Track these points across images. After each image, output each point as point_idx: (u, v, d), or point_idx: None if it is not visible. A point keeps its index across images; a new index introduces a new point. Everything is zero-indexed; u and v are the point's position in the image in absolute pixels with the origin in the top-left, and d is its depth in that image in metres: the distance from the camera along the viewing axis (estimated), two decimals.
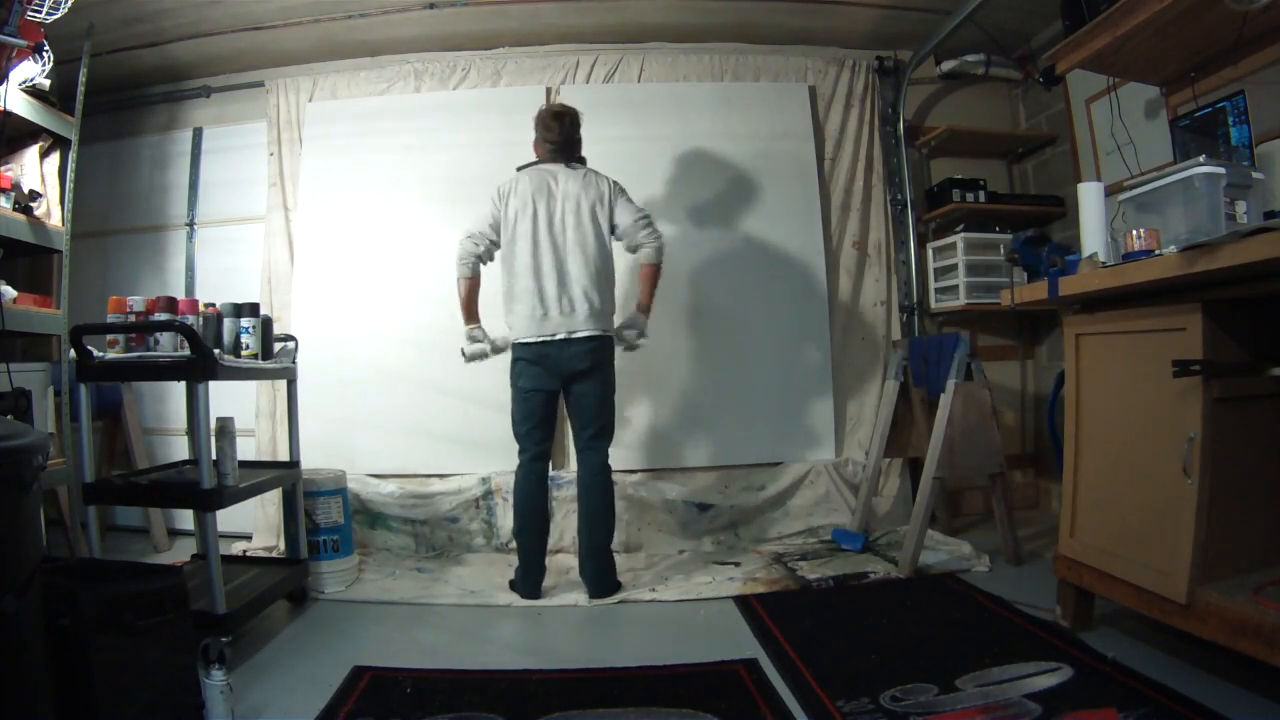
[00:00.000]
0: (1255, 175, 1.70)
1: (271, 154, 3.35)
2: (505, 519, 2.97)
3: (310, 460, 2.60)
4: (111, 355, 2.00)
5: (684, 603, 2.35)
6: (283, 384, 2.60)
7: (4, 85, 2.22)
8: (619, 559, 2.60)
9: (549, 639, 2.15)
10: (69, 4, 2.26)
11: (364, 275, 3.21)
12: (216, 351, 2.02)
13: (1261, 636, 1.38)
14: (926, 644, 1.91)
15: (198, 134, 3.50)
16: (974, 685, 1.64)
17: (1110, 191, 2.22)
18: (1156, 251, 1.65)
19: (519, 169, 2.47)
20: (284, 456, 2.82)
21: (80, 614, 1.32)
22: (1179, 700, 1.51)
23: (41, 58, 2.36)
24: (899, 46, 3.47)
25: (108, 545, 2.97)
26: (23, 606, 1.13)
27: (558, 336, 2.33)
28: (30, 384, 2.30)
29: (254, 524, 3.10)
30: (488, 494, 3.03)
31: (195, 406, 1.96)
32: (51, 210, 2.49)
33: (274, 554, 2.87)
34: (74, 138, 2.52)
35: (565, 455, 3.03)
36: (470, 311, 2.48)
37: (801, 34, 3.42)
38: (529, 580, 2.40)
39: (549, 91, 3.29)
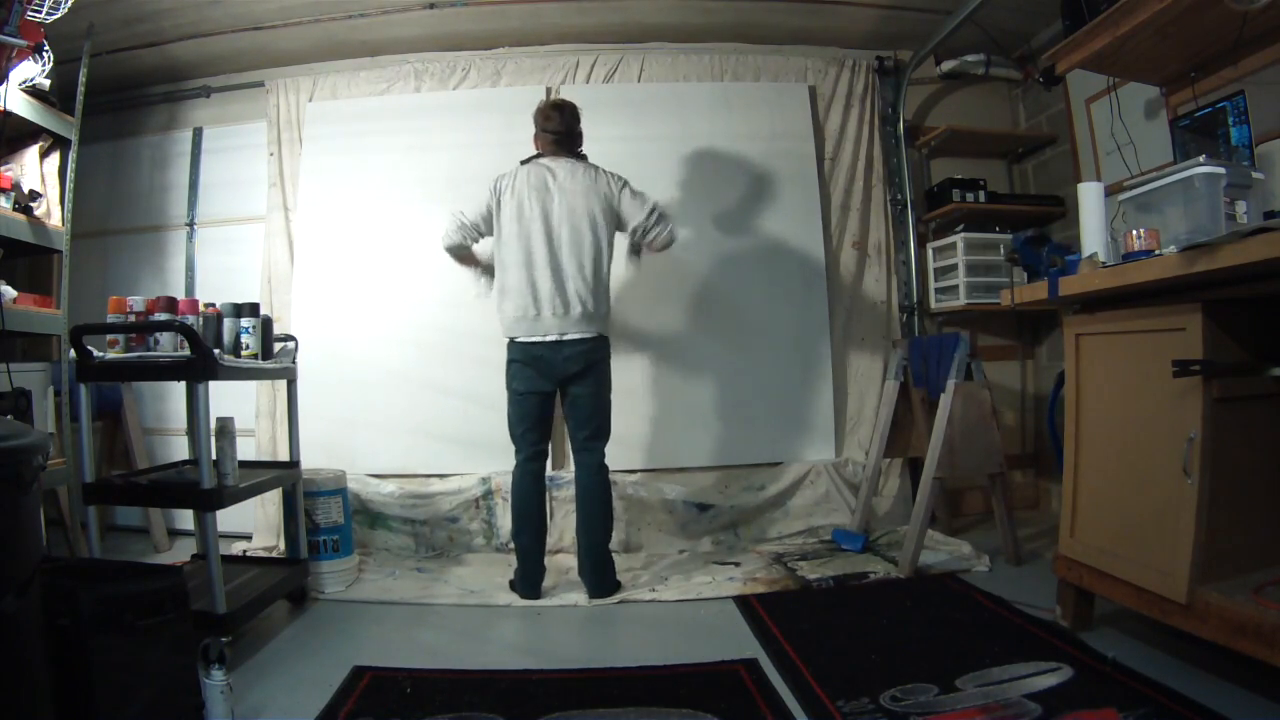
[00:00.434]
0: (1255, 175, 1.70)
1: (271, 154, 3.35)
2: (505, 519, 2.97)
3: (310, 460, 2.60)
4: (111, 355, 2.00)
5: (684, 603, 2.35)
6: (283, 384, 2.60)
7: (4, 85, 2.22)
8: (619, 559, 2.59)
9: (549, 639, 2.15)
10: (69, 4, 2.26)
11: (364, 275, 3.21)
12: (216, 351, 2.02)
13: (1261, 636, 1.38)
14: (926, 644, 1.91)
15: (198, 134, 3.50)
16: (974, 685, 1.64)
17: (1110, 191, 2.22)
18: (1156, 251, 1.65)
19: (521, 162, 2.46)
20: (284, 456, 2.81)
21: (80, 614, 1.32)
22: (1179, 700, 1.51)
23: (41, 58, 2.36)
24: (899, 46, 3.47)
25: (108, 545, 2.98)
26: (23, 606, 1.13)
27: (549, 338, 2.33)
28: (30, 384, 2.30)
29: (254, 524, 3.10)
30: (488, 494, 3.03)
31: (195, 406, 1.96)
32: (51, 210, 2.49)
33: (274, 554, 2.87)
34: (74, 138, 2.52)
35: (565, 455, 3.03)
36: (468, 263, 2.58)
37: (801, 34, 3.42)
38: (528, 580, 2.40)
39: (549, 91, 3.29)
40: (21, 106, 2.32)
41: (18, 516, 1.15)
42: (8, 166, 2.43)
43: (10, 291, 2.26)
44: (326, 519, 2.50)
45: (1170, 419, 1.62)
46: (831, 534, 2.97)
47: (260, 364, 2.20)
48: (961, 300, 3.20)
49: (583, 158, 2.48)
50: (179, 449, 3.17)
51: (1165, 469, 1.62)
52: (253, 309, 2.19)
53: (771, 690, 1.68)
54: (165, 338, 2.00)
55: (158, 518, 3.15)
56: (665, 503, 3.03)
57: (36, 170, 2.50)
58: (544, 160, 2.44)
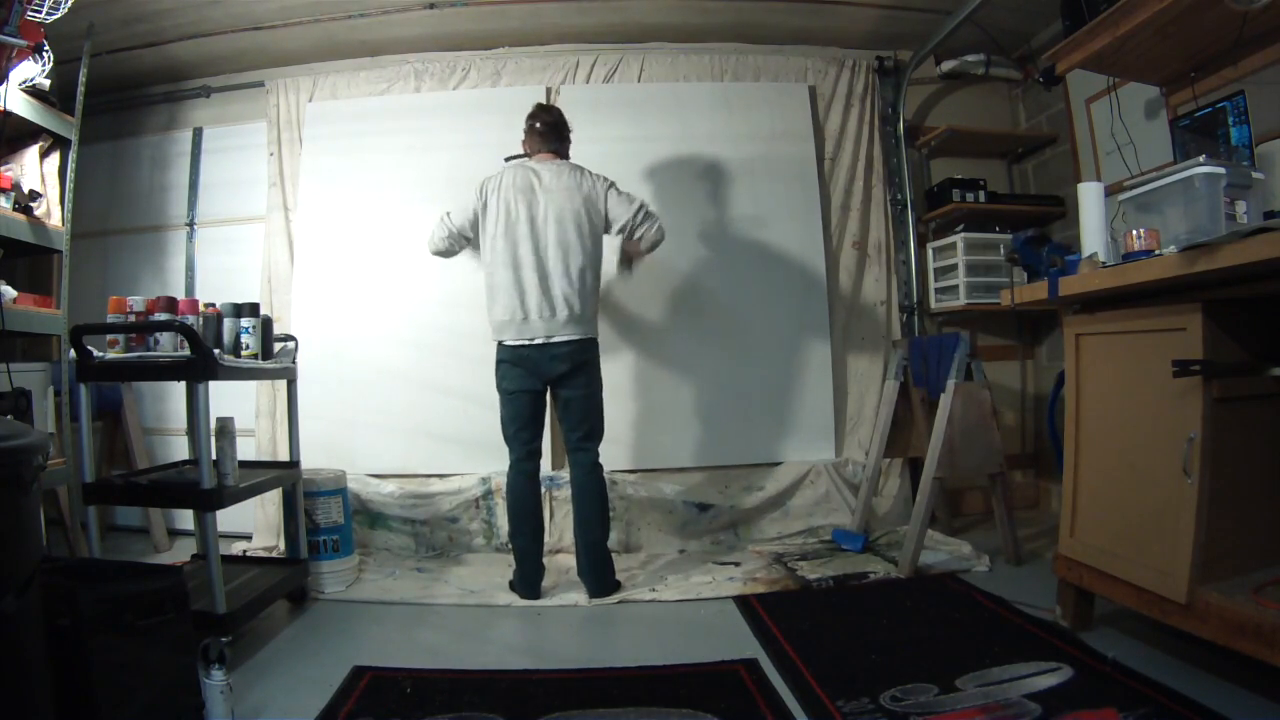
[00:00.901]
0: (1255, 175, 1.70)
1: (271, 154, 3.35)
2: (505, 519, 2.96)
3: (310, 460, 2.60)
4: (111, 355, 2.00)
5: (684, 603, 2.35)
6: (283, 384, 2.60)
7: (4, 85, 2.22)
8: (618, 559, 2.59)
9: (549, 639, 2.15)
10: (69, 4, 2.26)
11: (364, 275, 3.21)
12: (216, 351, 2.02)
13: (1261, 636, 1.38)
14: (926, 644, 1.91)
15: (198, 134, 3.50)
16: (974, 685, 1.64)
17: (1110, 191, 2.22)
18: (1156, 251, 1.65)
19: (506, 160, 2.46)
20: (284, 456, 2.82)
21: (80, 614, 1.32)
22: (1179, 700, 1.51)
23: (41, 58, 2.36)
24: (899, 46, 3.47)
25: (108, 545, 2.97)
26: (23, 606, 1.13)
27: (536, 341, 2.33)
28: (30, 384, 2.30)
29: (254, 524, 3.10)
30: (488, 494, 3.03)
31: (195, 406, 1.96)
32: (51, 210, 2.49)
33: (274, 554, 2.87)
34: (74, 138, 2.52)
35: (563, 455, 3.03)
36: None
37: (801, 34, 3.42)
38: (527, 581, 2.40)
39: (549, 91, 3.29)
40: (21, 106, 2.32)
41: (18, 516, 1.15)
42: (8, 166, 2.43)
43: (10, 291, 2.26)
44: (326, 519, 2.50)
45: (1170, 419, 1.62)
46: (831, 534, 2.97)
47: (260, 364, 2.20)
48: (961, 300, 3.20)
49: (567, 159, 2.49)
50: (179, 449, 3.17)
51: (1165, 469, 1.62)
52: (253, 309, 2.19)
53: (771, 690, 1.68)
54: (165, 338, 2.00)
55: (158, 518, 3.15)
56: (665, 502, 3.03)
57: (36, 170, 2.50)
58: (530, 162, 2.45)
